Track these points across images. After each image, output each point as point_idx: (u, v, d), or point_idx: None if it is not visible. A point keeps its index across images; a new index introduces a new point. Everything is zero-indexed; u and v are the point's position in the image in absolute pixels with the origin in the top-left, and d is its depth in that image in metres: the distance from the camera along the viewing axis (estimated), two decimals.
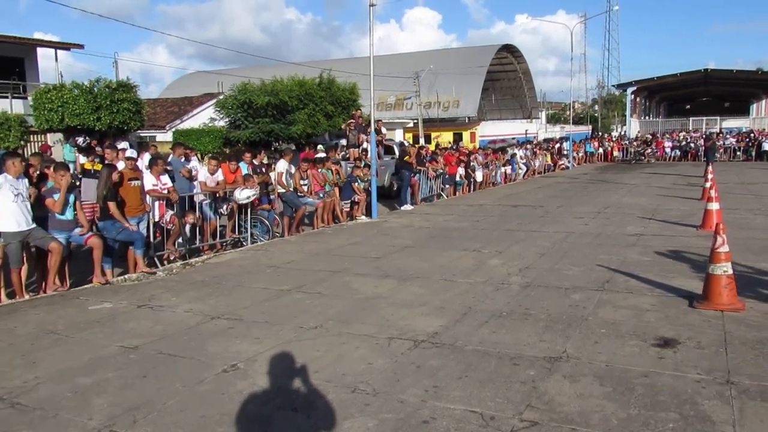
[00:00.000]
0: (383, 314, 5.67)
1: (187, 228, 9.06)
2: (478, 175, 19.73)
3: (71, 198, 7.10)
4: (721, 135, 37.70)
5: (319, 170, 12.59)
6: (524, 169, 24.96)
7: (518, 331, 5.06)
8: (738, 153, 34.09)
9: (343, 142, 18.32)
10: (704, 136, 34.30)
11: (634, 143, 38.53)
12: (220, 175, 9.92)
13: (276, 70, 25.20)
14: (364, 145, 16.34)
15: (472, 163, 19.46)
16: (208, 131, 24.16)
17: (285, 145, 20.40)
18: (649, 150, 36.18)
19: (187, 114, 30.09)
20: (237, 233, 10.21)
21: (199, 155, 16.32)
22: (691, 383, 3.88)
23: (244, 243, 10.16)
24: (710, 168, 15.17)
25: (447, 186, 17.89)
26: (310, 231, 11.66)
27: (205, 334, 5.25)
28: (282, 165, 11.35)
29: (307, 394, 3.97)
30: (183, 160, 10.55)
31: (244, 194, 9.76)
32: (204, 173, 9.85)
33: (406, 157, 15.58)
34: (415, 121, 39.08)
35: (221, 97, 24.06)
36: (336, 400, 3.80)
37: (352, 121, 17.68)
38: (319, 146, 17.00)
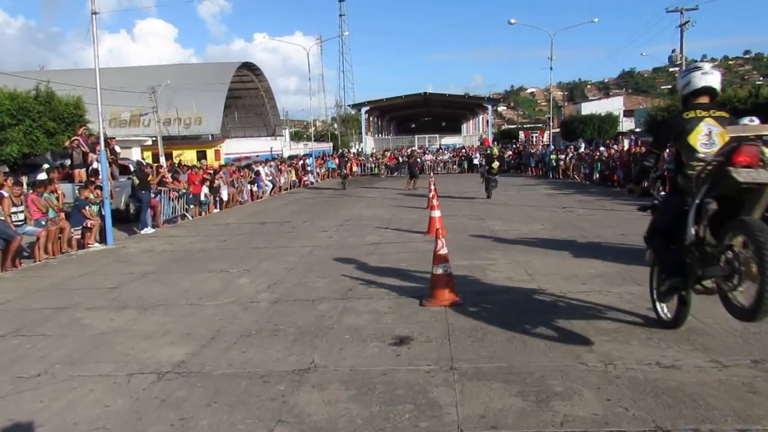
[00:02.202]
0: (121, 349, 5.20)
1: None
2: (224, 194, 19.39)
3: None
4: (439, 150, 42.90)
5: (42, 194, 11.10)
6: (270, 186, 25.23)
7: (268, 348, 5.08)
8: (454, 166, 39.11)
9: (68, 161, 16.43)
10: (406, 154, 35.27)
11: (368, 158, 41.49)
12: None
13: None
14: (94, 165, 14.86)
15: (216, 182, 19.03)
16: None
17: None
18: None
19: None
20: None
21: None
22: (423, 374, 4.31)
23: None
24: (432, 180, 17.10)
25: (192, 206, 17.19)
26: (31, 264, 10.18)
27: None
28: None
29: None
30: None
31: None
32: None
33: (149, 177, 14.58)
34: (154, 138, 36.81)
35: None
36: None
37: (77, 138, 15.92)
38: (45, 165, 14.98)
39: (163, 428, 3.65)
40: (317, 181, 33.51)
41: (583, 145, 33.20)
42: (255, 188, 23.25)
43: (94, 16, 12.21)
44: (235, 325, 5.82)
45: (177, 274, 8.58)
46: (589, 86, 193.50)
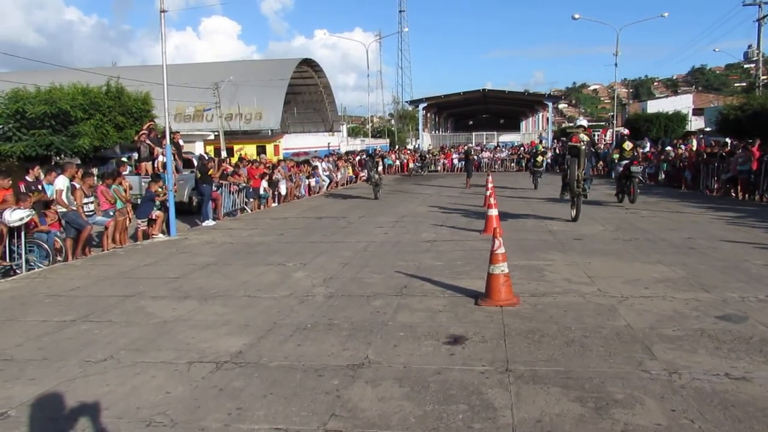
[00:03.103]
0: (182, 338, 5.37)
1: None
2: (282, 188, 19.74)
3: None
4: (497, 148, 42.32)
5: (111, 186, 11.60)
6: (327, 181, 25.51)
7: (323, 342, 5.13)
8: (512, 164, 38.50)
9: (136, 155, 17.11)
10: (464, 151, 34.45)
11: (417, 157, 41.37)
12: None
13: (54, 75, 22.60)
14: (160, 158, 15.41)
15: (275, 176, 19.39)
16: None
17: (67, 159, 18.38)
18: (426, 162, 38.95)
19: None
20: (8, 260, 8.94)
21: None
22: (477, 375, 4.26)
23: (18, 271, 8.94)
24: (489, 178, 16.87)
25: (251, 200, 17.59)
26: (100, 253, 10.65)
27: None
28: (61, 181, 10.23)
29: None
30: None
31: (15, 215, 8.62)
32: None
33: (210, 171, 15.00)
34: (216, 133, 37.85)
35: None
36: None
37: (144, 132, 16.54)
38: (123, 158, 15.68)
39: (221, 416, 3.74)
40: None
41: (648, 145, 32.03)
42: (313, 183, 23.56)
43: (162, 14, 12.63)
44: (291, 318, 5.92)
45: (236, 266, 8.79)
46: (656, 83, 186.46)
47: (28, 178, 10.07)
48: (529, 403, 3.77)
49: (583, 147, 12.27)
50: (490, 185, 13.99)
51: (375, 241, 10.65)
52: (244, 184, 17.19)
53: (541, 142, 41.40)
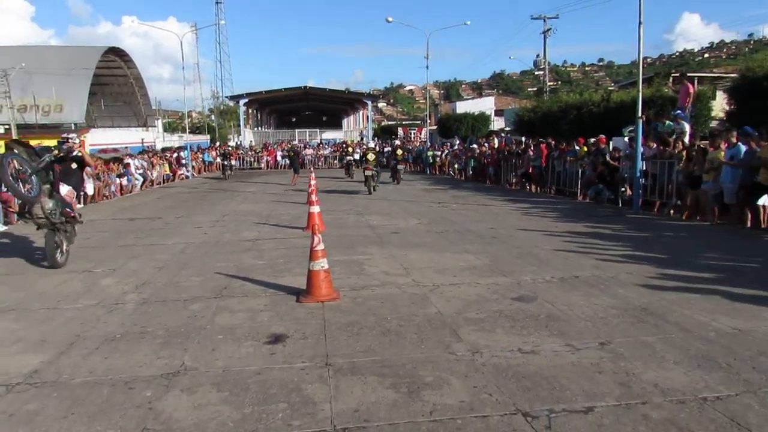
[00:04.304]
0: None
1: None
2: (89, 188, 18.06)
3: None
4: (320, 145, 42.90)
5: None
6: (141, 179, 23.88)
7: (134, 352, 4.81)
8: (335, 161, 39.22)
9: None
10: (289, 148, 35.54)
11: (247, 152, 40.45)
12: None
13: None
14: None
15: None
16: None
17: None
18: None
19: None
20: None
21: None
22: (297, 372, 4.29)
23: None
24: (312, 175, 17.07)
25: None
26: None
27: None
28: None
29: None
30: None
31: None
32: None
33: None
34: (7, 126, 33.50)
35: None
36: None
37: None
38: None
39: None
40: (193, 175, 32.19)
41: (457, 142, 34.62)
42: (124, 182, 21.90)
43: None
44: (97, 329, 5.45)
45: (32, 276, 7.88)
46: (463, 86, 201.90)
47: None
48: (347, 395, 3.89)
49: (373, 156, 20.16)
50: (312, 182, 14.13)
51: (194, 242, 10.21)
52: None
53: (375, 138, 42.83)
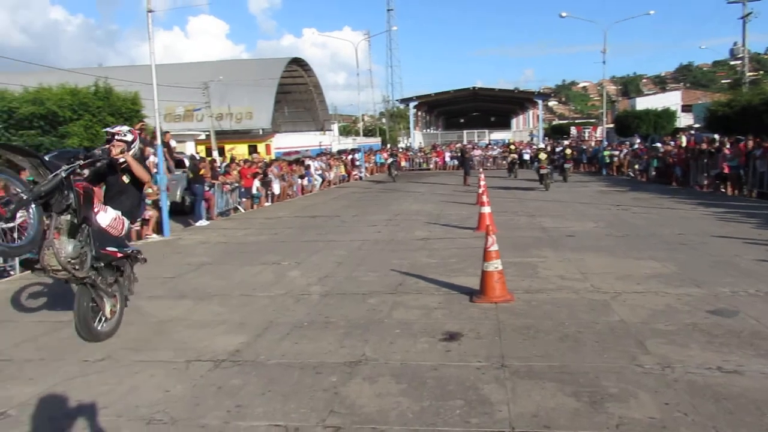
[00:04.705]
0: (179, 337, 5.39)
1: None
2: (275, 188, 19.73)
3: None
4: (489, 146, 42.49)
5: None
6: (320, 180, 25.52)
7: (319, 339, 5.17)
8: (503, 162, 38.56)
9: None
10: (459, 149, 35.85)
11: (416, 153, 41.30)
12: None
13: (42, 76, 22.46)
14: (151, 158, 15.35)
15: (268, 176, 19.39)
16: None
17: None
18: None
19: None
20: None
21: None
22: (473, 371, 4.31)
23: (12, 272, 8.91)
24: (482, 176, 16.96)
25: (243, 199, 17.58)
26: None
27: None
28: None
29: None
30: None
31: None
32: None
33: (201, 171, 14.96)
34: (207, 133, 37.76)
35: None
36: None
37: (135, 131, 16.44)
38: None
39: (220, 414, 3.77)
40: (366, 176, 33.69)
41: (638, 141, 32.24)
42: (305, 182, 23.57)
43: (149, 13, 12.59)
44: (287, 316, 5.95)
45: (231, 266, 8.81)
46: (644, 80, 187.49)
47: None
48: (525, 398, 3.82)
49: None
50: (482, 183, 14.06)
51: (369, 240, 10.68)
52: (236, 184, 17.16)
53: (531, 139, 41.76)
